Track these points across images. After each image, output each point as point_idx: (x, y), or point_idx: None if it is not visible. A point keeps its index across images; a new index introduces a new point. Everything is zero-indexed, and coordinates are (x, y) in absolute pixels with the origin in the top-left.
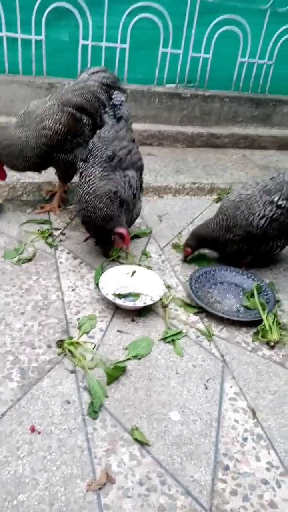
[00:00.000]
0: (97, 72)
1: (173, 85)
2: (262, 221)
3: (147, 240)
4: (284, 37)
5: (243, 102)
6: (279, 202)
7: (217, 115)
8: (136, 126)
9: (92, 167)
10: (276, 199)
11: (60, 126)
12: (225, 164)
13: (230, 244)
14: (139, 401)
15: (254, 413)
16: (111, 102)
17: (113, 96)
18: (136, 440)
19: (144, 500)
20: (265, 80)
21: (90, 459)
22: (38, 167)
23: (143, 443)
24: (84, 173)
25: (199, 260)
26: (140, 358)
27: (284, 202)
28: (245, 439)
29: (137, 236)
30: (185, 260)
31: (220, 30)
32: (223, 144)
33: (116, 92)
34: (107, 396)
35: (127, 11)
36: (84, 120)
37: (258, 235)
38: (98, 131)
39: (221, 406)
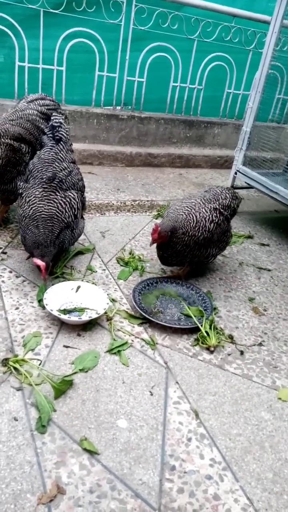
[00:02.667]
0: (35, 99)
1: (111, 107)
2: (212, 226)
3: (91, 256)
4: (212, 64)
5: (177, 123)
6: (221, 210)
7: (153, 136)
8: (76, 146)
9: (33, 188)
10: (217, 206)
11: None
12: (163, 182)
13: (175, 248)
14: (87, 412)
15: (197, 414)
16: (50, 124)
17: (52, 118)
18: (85, 450)
19: (95, 507)
20: (197, 103)
21: (40, 473)
22: None
23: (92, 452)
24: (24, 194)
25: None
26: (87, 371)
27: (222, 210)
28: (189, 439)
29: (81, 253)
30: (153, 242)
31: (152, 56)
32: (160, 163)
33: (54, 114)
34: (55, 410)
35: (63, 36)
36: (24, 149)
37: (206, 238)
38: (38, 152)
39: (166, 410)
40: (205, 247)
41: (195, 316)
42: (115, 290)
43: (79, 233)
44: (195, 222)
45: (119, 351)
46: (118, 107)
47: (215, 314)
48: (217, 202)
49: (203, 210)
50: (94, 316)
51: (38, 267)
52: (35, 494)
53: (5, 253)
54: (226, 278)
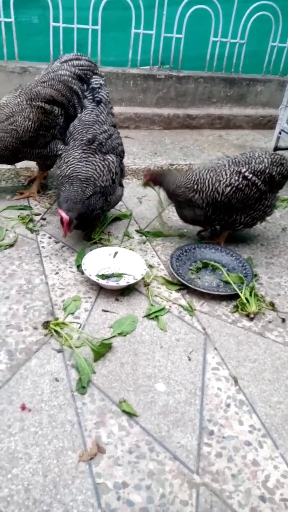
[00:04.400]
0: (70, 60)
1: (148, 67)
2: (228, 189)
3: (128, 222)
4: (255, 15)
5: (217, 82)
6: (246, 174)
7: (192, 96)
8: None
9: (72, 150)
10: (243, 170)
11: (30, 123)
12: (201, 145)
13: (189, 207)
14: (126, 375)
15: (236, 381)
16: (90, 86)
17: (91, 80)
18: (124, 411)
19: (134, 467)
20: (238, 59)
21: (81, 432)
22: (10, 161)
23: (131, 414)
24: (63, 155)
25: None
26: (125, 335)
27: (250, 175)
28: (228, 405)
29: (118, 219)
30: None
31: (191, 9)
32: (199, 125)
33: (95, 76)
34: (95, 372)
35: None
36: (56, 112)
37: (222, 202)
38: (79, 115)
39: (204, 375)
40: (225, 212)
41: (234, 283)
42: (152, 256)
43: (116, 200)
44: (201, 180)
45: (156, 316)
46: (156, 67)
47: (255, 280)
48: (247, 166)
49: (223, 172)
50: (132, 281)
51: (61, 220)
52: (76, 452)
53: (44, 219)
54: (267, 244)
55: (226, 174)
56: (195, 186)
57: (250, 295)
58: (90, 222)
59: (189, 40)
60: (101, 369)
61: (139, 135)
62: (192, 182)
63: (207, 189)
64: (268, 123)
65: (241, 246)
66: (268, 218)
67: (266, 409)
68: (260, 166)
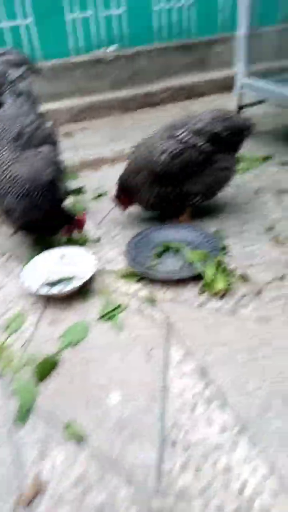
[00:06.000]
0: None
1: (94, 52)
2: (163, 157)
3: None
4: None
5: (172, 52)
6: (181, 136)
7: (148, 72)
8: (65, 103)
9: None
10: (177, 133)
11: None
12: (164, 120)
13: (143, 191)
14: (75, 390)
15: (204, 372)
16: (7, 80)
17: (7, 74)
18: (71, 435)
19: (80, 503)
20: (189, 23)
21: (19, 471)
22: None
23: (79, 437)
24: None
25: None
26: (76, 344)
27: (187, 137)
28: (194, 404)
29: None
30: (123, 209)
31: None
32: (161, 101)
33: (10, 70)
34: (39, 394)
35: None
36: None
37: (162, 173)
38: None
39: (166, 374)
40: (173, 183)
41: (199, 261)
42: (110, 249)
43: (65, 193)
44: (138, 157)
45: (111, 315)
46: (102, 50)
47: (225, 253)
48: (182, 129)
49: (156, 140)
50: (78, 284)
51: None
52: (13, 496)
53: None
54: (239, 210)
55: (158, 142)
56: (135, 166)
57: (217, 271)
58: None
59: (131, 15)
60: (46, 389)
61: (97, 124)
62: (131, 164)
63: (144, 163)
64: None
65: (209, 219)
66: (238, 181)
67: (241, 399)
68: (199, 125)
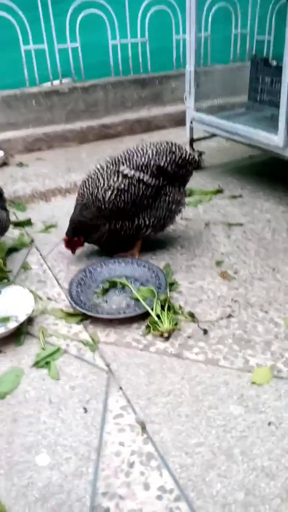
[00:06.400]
0: None
1: (48, 83)
2: (109, 193)
3: (27, 251)
4: (150, 11)
5: (127, 85)
6: (125, 172)
7: (104, 105)
8: (19, 133)
9: None
10: (121, 168)
11: None
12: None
13: (94, 228)
14: None
15: (143, 427)
16: None
17: None
18: None
19: None
20: (145, 58)
21: None
22: None
23: None
24: None
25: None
26: (3, 397)
27: (132, 171)
28: (131, 465)
29: (15, 249)
30: (73, 253)
31: (80, 16)
32: (118, 133)
33: None
34: None
35: None
36: None
37: (109, 209)
38: None
39: (103, 429)
40: (122, 218)
41: (145, 299)
42: (52, 287)
43: (3, 226)
44: (82, 194)
45: (47, 362)
46: (57, 81)
47: (173, 289)
48: (127, 163)
49: (99, 176)
50: (12, 326)
51: None
52: None
53: None
54: (189, 244)
55: (102, 178)
56: (83, 203)
57: (163, 309)
58: None
59: (87, 48)
60: None
61: (52, 155)
62: (79, 201)
63: (90, 200)
64: None
65: (159, 252)
66: (190, 215)
67: (182, 458)
68: (143, 159)
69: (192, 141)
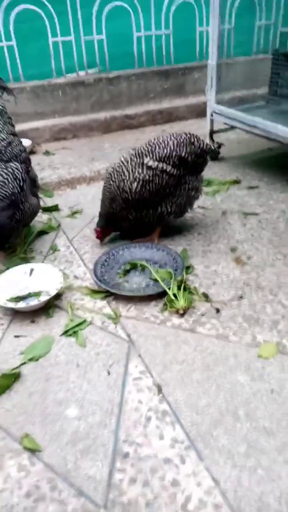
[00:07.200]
0: None
1: (74, 74)
2: (135, 185)
3: (55, 234)
4: (175, 3)
5: (151, 77)
6: (149, 163)
7: (127, 96)
8: (45, 122)
9: None
10: (146, 160)
11: None
12: (143, 142)
13: (121, 218)
14: (33, 406)
15: (159, 389)
16: None
17: None
18: (26, 448)
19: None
20: (168, 50)
21: None
22: None
23: (33, 450)
24: None
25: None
26: (37, 360)
27: (155, 163)
28: (148, 419)
29: (45, 232)
30: (101, 242)
31: (106, 9)
32: (140, 124)
33: None
34: None
35: (3, 5)
36: None
37: (135, 200)
38: None
39: (124, 389)
40: (147, 207)
41: (163, 280)
42: (78, 266)
43: (31, 209)
44: (109, 187)
45: (75, 331)
46: (82, 72)
47: (189, 272)
48: (150, 155)
49: (124, 169)
50: (44, 299)
51: None
52: None
53: None
54: (205, 231)
55: (127, 170)
56: (109, 195)
57: (179, 289)
58: (6, 237)
59: (112, 40)
60: (4, 404)
61: (77, 144)
62: (106, 194)
63: (117, 192)
64: None
65: (177, 238)
66: (207, 203)
67: (193, 416)
68: (166, 151)
69: (212, 133)
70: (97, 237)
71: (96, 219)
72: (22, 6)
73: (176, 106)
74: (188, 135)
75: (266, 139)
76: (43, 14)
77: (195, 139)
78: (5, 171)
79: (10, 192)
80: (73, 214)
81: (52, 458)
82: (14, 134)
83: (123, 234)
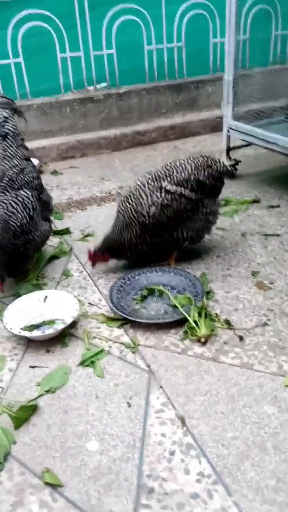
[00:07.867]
0: None
1: (83, 90)
2: (153, 209)
3: (67, 259)
4: (188, 15)
5: (163, 91)
6: (168, 187)
7: (138, 111)
8: (53, 140)
9: None
10: (164, 184)
11: None
12: (154, 160)
13: (132, 243)
14: (52, 439)
15: (183, 422)
16: None
17: None
18: (47, 483)
19: None
20: (180, 63)
21: None
22: None
23: (55, 485)
24: None
25: None
26: (54, 391)
27: (174, 187)
28: (172, 453)
29: (56, 257)
30: (92, 266)
31: (117, 23)
32: (151, 140)
33: None
34: (15, 442)
35: (12, 22)
36: None
37: (152, 224)
38: None
39: (145, 422)
40: (163, 232)
41: (182, 306)
42: (93, 293)
43: (42, 236)
44: (125, 213)
45: (92, 362)
46: (92, 88)
47: (209, 298)
48: (168, 178)
49: (142, 193)
50: (59, 327)
51: None
52: None
53: None
54: (225, 254)
55: (145, 194)
56: (123, 221)
57: (200, 315)
58: (17, 266)
59: (122, 54)
60: (23, 437)
61: (85, 163)
62: (120, 218)
63: (134, 216)
64: None
65: (195, 262)
66: (226, 224)
67: (218, 449)
68: (184, 175)
69: (229, 149)
70: (89, 259)
71: None
72: (30, 24)
73: (189, 121)
74: (205, 158)
75: (286, 156)
76: (51, 30)
77: (212, 162)
78: (15, 200)
79: (18, 223)
80: (85, 237)
81: (74, 493)
82: (27, 158)
83: (137, 261)
